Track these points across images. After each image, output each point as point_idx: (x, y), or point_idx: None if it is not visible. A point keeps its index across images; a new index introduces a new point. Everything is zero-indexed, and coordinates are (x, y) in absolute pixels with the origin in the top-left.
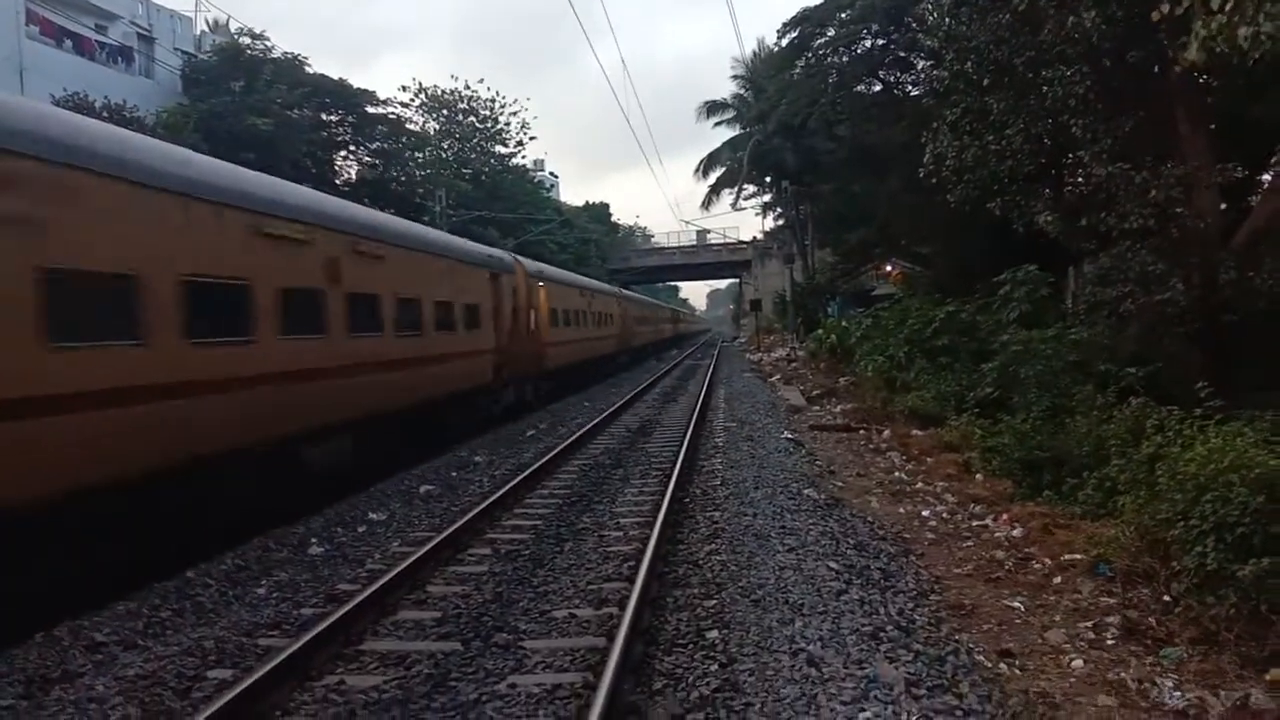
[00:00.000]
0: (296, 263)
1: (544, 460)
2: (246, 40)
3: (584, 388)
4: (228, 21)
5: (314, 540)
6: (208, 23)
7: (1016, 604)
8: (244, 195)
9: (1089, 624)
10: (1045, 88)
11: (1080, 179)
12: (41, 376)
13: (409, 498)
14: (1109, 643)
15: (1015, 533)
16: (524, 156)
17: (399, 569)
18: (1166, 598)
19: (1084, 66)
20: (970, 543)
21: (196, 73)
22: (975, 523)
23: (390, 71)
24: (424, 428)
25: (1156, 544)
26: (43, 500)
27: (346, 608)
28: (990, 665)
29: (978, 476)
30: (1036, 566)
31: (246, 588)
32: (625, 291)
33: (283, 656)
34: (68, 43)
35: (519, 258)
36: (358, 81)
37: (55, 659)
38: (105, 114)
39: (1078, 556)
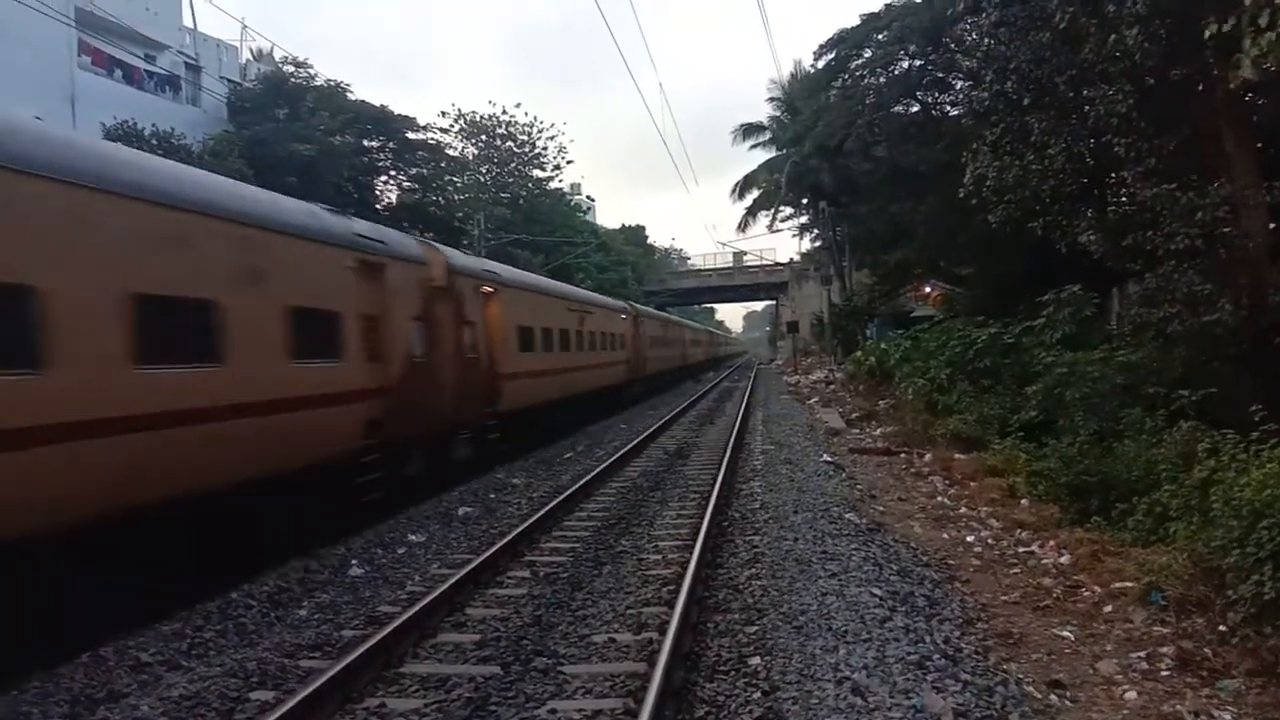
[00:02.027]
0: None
1: (582, 483)
2: (290, 69)
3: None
4: (271, 50)
5: (354, 561)
6: (252, 52)
7: (1066, 633)
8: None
9: (1142, 654)
10: (1087, 107)
11: (1124, 198)
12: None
13: (447, 519)
14: (1163, 674)
15: (1063, 559)
16: (561, 180)
17: (439, 591)
18: (1222, 627)
19: (1126, 85)
20: (1017, 569)
21: (241, 100)
22: (1021, 549)
23: (440, 94)
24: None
25: (1211, 572)
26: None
27: (387, 630)
28: (1040, 696)
29: (1023, 501)
30: (1086, 594)
31: (288, 609)
32: (640, 307)
33: (324, 679)
34: (118, 72)
35: (438, 245)
36: (409, 104)
37: (101, 679)
38: (154, 141)
39: (1129, 584)
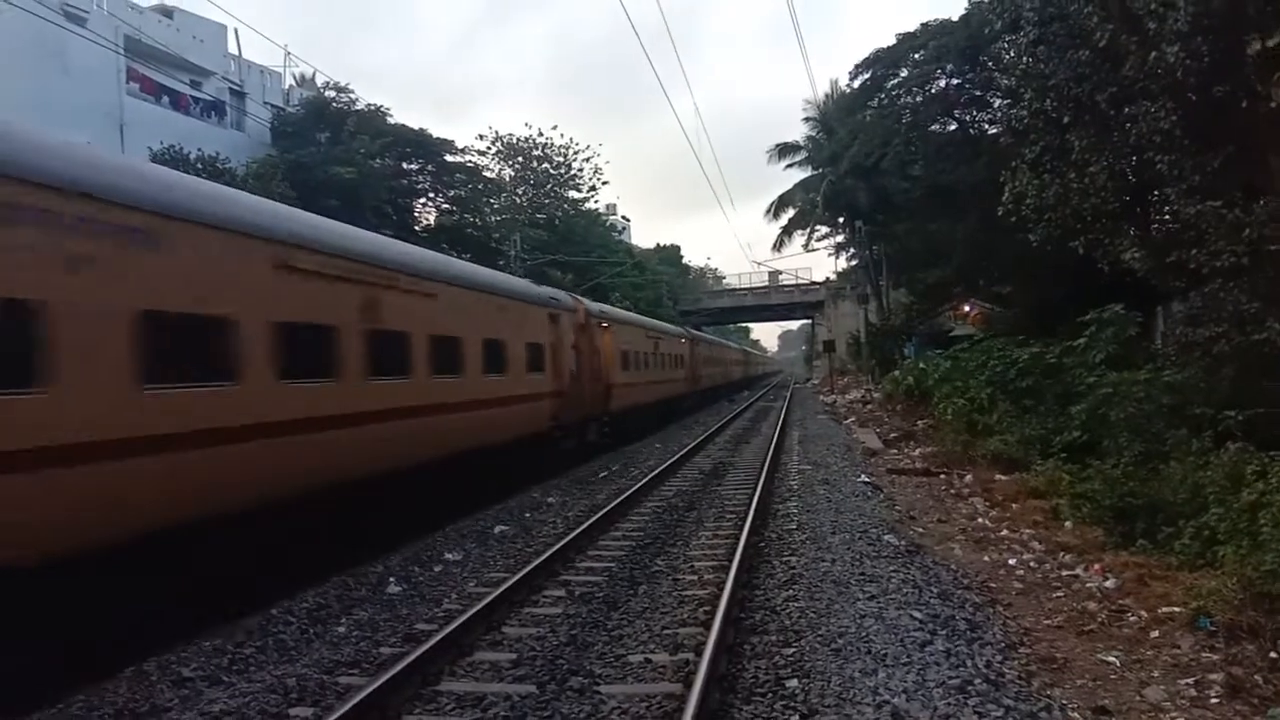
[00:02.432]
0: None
1: (616, 502)
2: (332, 93)
3: (651, 431)
4: (313, 76)
5: (392, 579)
6: (295, 77)
7: (1111, 658)
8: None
9: (1190, 681)
10: (1129, 124)
11: (1167, 216)
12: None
13: (484, 538)
14: (1212, 701)
15: (1108, 583)
16: (596, 201)
17: (475, 610)
18: (1274, 654)
19: (1169, 102)
20: (1060, 593)
21: (284, 125)
22: (1065, 572)
23: (486, 121)
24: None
25: (1261, 597)
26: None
27: (424, 648)
28: None
29: (1066, 524)
30: (1132, 619)
31: (327, 625)
32: (694, 332)
33: (362, 696)
34: (165, 99)
35: (579, 297)
36: (454, 129)
37: (144, 694)
38: (199, 165)
39: (1176, 609)
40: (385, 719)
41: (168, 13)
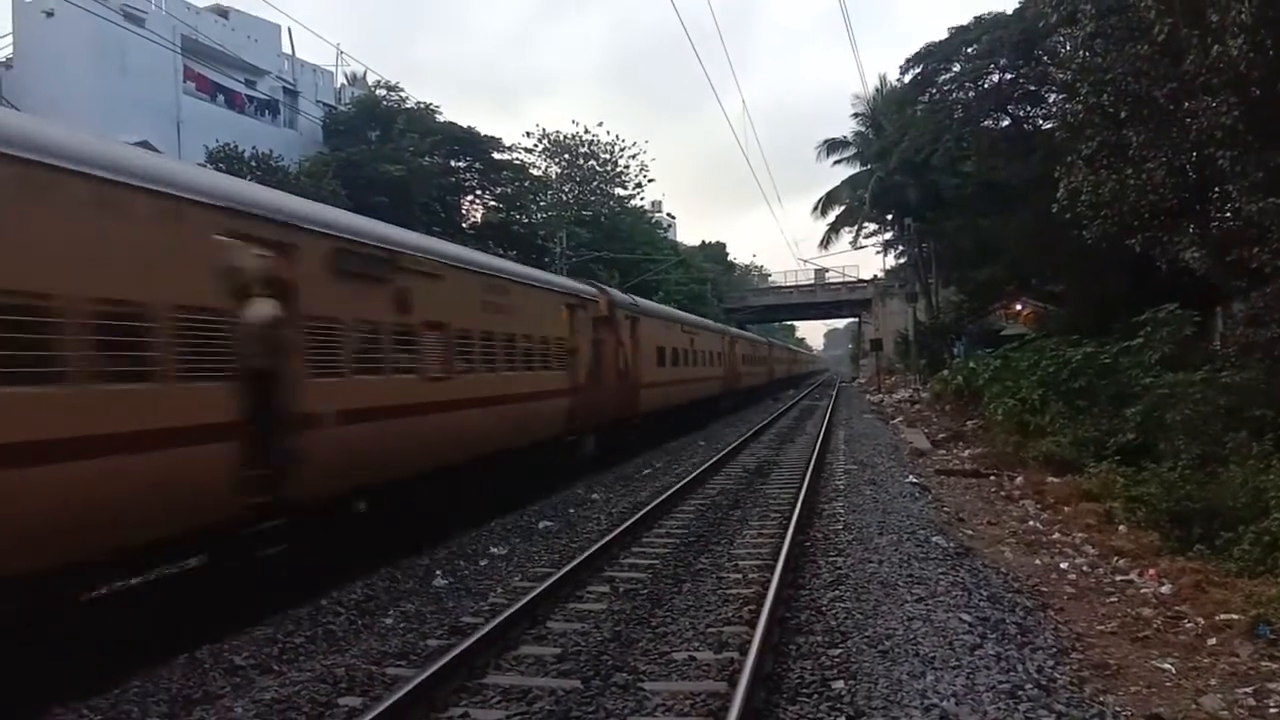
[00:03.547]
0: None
1: (660, 499)
2: (382, 92)
3: (684, 432)
4: (364, 74)
5: (438, 572)
6: (346, 76)
7: (1167, 665)
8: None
9: (1249, 690)
10: (1188, 119)
11: (1228, 213)
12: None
13: (528, 533)
14: (1271, 710)
15: (1164, 589)
16: (642, 198)
17: (520, 604)
18: None
19: (1231, 96)
20: (1114, 598)
21: (336, 123)
22: (1119, 577)
23: (537, 115)
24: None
25: None
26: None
27: (470, 640)
28: None
29: (1120, 528)
30: (1188, 626)
31: (375, 617)
32: (734, 329)
33: (410, 687)
34: (220, 97)
35: (604, 287)
36: (509, 125)
37: (197, 680)
38: (254, 163)
39: (1235, 616)
40: (432, 710)
41: (223, 13)
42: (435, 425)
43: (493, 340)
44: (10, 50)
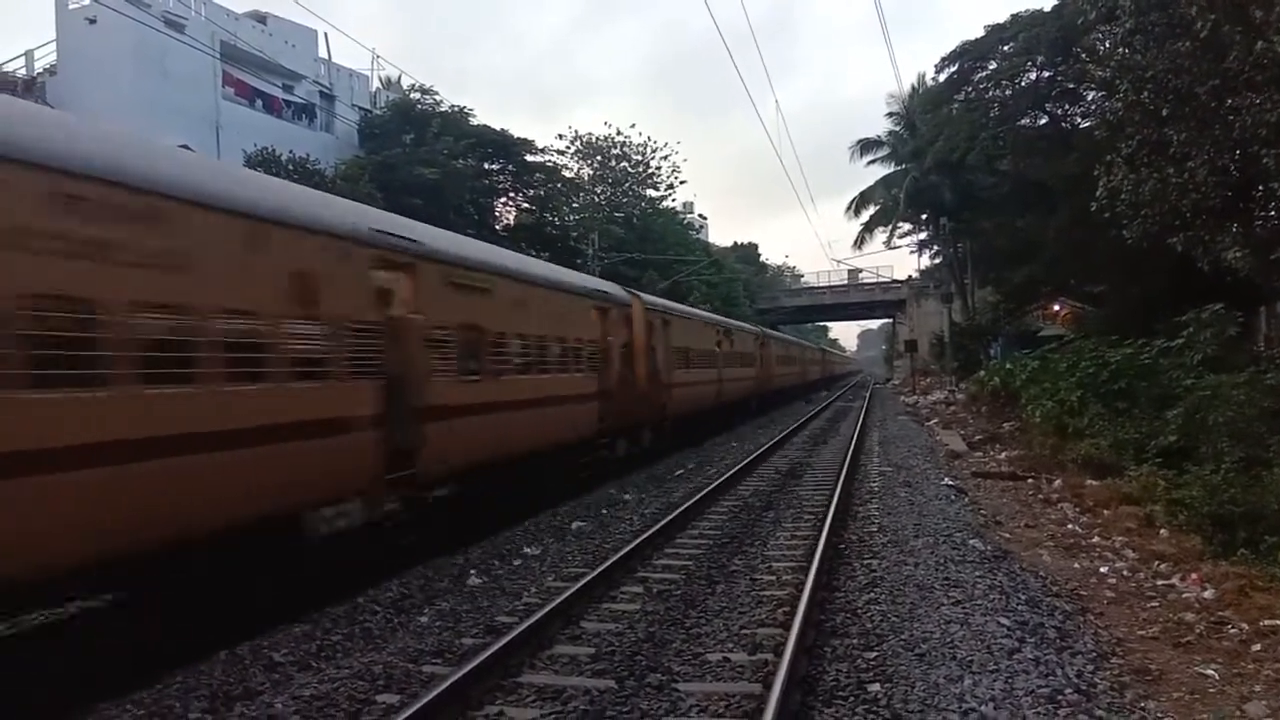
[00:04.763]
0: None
1: (693, 500)
2: (416, 95)
3: (714, 434)
4: (399, 78)
5: (473, 571)
6: (382, 80)
7: (1210, 671)
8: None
9: None
10: (1231, 117)
11: (1273, 212)
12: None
13: (561, 533)
14: None
15: (1206, 594)
16: (674, 199)
17: (554, 604)
18: None
19: (1275, 93)
20: (1155, 603)
21: (371, 127)
22: (1160, 581)
23: (578, 119)
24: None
25: None
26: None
27: (505, 640)
28: None
29: (1161, 532)
30: (1232, 631)
31: (410, 615)
32: (767, 330)
33: (446, 685)
34: (259, 102)
35: (636, 292)
36: (546, 131)
37: (237, 677)
38: (290, 166)
39: None
40: (468, 708)
41: (262, 19)
42: (508, 420)
43: (546, 344)
44: (54, 58)
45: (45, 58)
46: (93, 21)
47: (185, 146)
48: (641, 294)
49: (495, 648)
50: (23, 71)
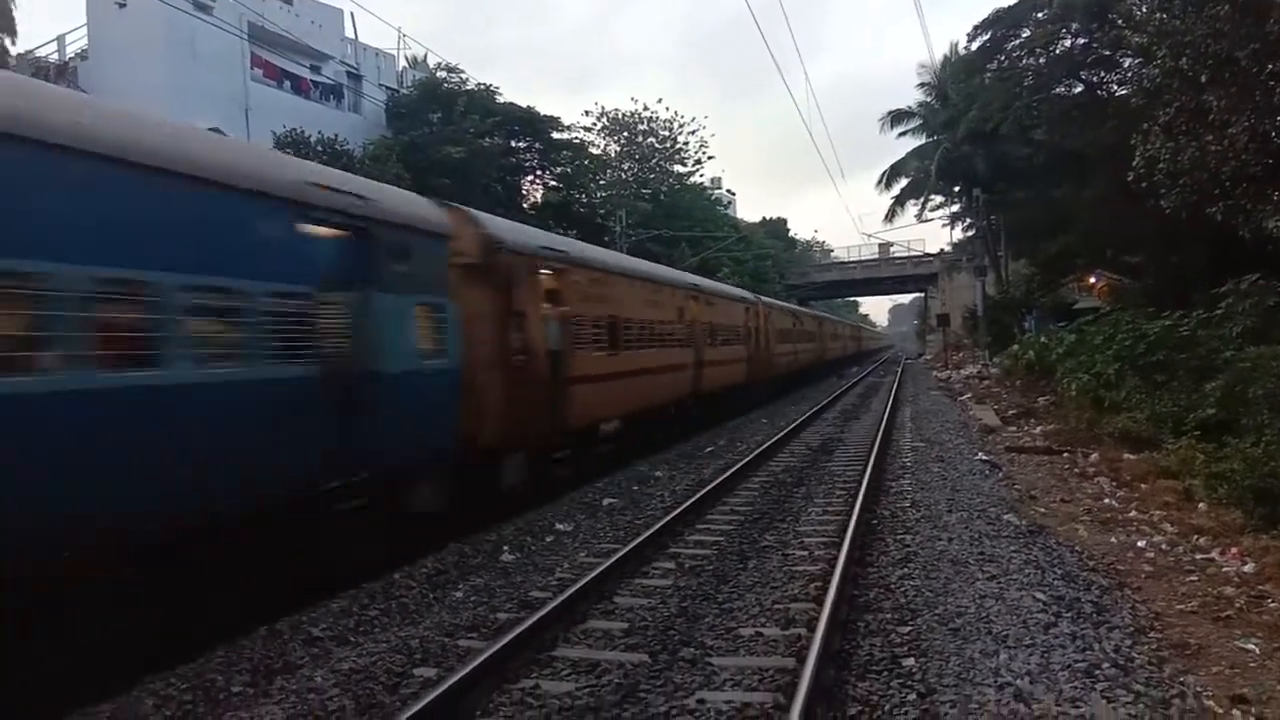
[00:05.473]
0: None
1: (724, 476)
2: (443, 74)
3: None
4: (425, 57)
5: (506, 548)
6: (408, 59)
7: (1250, 646)
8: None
9: None
10: (1272, 82)
11: None
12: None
13: (593, 510)
14: None
15: (1247, 568)
16: (702, 175)
17: (587, 579)
18: None
19: None
20: (1194, 577)
21: (398, 107)
22: (1199, 556)
23: (609, 99)
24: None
25: None
26: None
27: (539, 614)
28: (1222, 712)
29: (1200, 506)
30: (1273, 606)
31: (446, 590)
32: (820, 314)
33: (482, 658)
34: (286, 84)
35: (758, 297)
36: (582, 105)
37: (277, 651)
38: (319, 147)
39: None
40: (504, 682)
41: None
42: (624, 385)
43: (649, 326)
44: (85, 43)
45: (76, 42)
46: (123, 5)
47: (216, 129)
48: (760, 298)
49: (530, 622)
50: (55, 57)
